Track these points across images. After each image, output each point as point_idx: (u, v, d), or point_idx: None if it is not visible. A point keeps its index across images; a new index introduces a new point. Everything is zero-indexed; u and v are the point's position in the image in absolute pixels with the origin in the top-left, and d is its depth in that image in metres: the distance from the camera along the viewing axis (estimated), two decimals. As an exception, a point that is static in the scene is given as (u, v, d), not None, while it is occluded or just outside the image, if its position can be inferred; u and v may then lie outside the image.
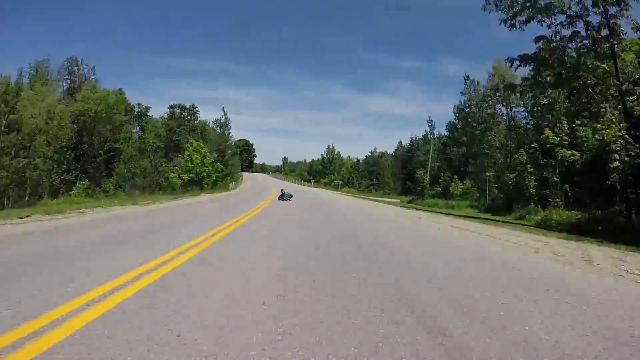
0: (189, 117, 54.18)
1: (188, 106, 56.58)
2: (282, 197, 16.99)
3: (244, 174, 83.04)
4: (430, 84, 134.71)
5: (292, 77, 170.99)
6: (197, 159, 32.45)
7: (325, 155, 73.28)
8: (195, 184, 30.75)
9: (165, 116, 50.88)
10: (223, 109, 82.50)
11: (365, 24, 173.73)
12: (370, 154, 68.43)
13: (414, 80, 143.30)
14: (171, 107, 54.48)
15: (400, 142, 59.92)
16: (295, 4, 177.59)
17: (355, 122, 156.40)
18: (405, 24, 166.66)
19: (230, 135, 53.89)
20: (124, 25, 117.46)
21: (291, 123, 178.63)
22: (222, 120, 51.18)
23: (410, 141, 54.68)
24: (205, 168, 32.94)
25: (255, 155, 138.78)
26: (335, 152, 74.22)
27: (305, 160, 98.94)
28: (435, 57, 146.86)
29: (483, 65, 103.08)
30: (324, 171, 69.40)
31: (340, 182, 57.73)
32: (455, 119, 30.15)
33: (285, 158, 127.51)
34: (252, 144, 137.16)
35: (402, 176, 49.97)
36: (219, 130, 48.92)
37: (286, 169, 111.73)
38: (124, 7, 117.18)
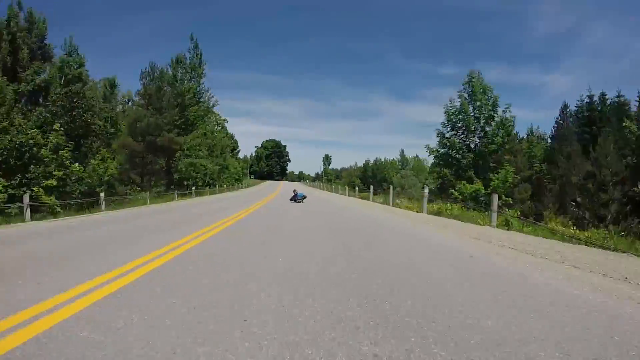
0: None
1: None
2: (294, 199, 16.99)
3: (265, 182, 68.75)
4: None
5: (330, 86, 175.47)
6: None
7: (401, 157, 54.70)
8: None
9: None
10: (191, 35, 39.72)
11: (401, 31, 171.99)
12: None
13: (454, 86, 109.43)
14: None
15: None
16: (329, 14, 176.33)
17: (394, 130, 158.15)
18: (440, 30, 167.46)
19: (211, 95, 40.97)
20: (158, 41, 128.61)
21: (329, 133, 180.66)
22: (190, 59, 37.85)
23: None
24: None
25: (289, 160, 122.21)
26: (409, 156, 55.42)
27: (355, 163, 77.90)
28: (473, 62, 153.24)
29: (519, 68, 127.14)
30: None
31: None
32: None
33: (328, 158, 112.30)
34: (285, 146, 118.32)
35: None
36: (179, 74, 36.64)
37: (330, 174, 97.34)
38: (162, 25, 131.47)
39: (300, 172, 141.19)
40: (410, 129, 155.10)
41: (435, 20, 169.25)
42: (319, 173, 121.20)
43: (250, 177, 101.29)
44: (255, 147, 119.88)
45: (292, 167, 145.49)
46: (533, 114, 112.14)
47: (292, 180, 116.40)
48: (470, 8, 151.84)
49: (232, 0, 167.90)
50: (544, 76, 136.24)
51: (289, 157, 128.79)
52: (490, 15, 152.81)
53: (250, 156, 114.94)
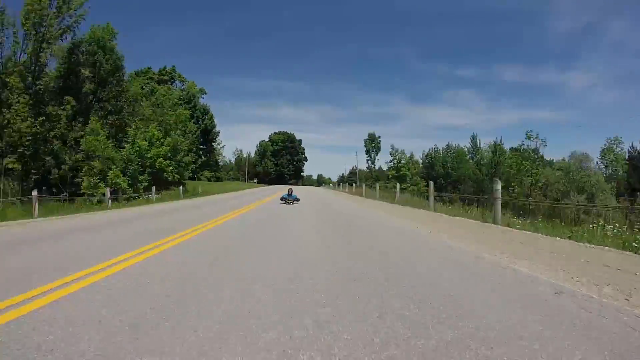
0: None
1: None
2: (286, 200, 16.31)
3: (267, 187, 58.56)
4: (489, 92, 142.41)
5: (348, 92, 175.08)
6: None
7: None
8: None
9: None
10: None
11: (418, 34, 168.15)
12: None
13: (472, 88, 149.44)
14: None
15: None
16: (345, 20, 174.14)
17: (413, 134, 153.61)
18: (457, 32, 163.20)
19: None
20: (178, 50, 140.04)
21: (348, 138, 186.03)
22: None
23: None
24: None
25: (305, 159, 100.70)
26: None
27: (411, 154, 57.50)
28: (490, 64, 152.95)
29: (537, 68, 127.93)
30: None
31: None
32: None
33: (374, 141, 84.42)
34: (300, 141, 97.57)
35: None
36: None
37: (374, 172, 76.65)
38: (181, 34, 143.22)
39: (320, 176, 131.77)
40: (429, 133, 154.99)
41: (451, 23, 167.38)
42: (343, 174, 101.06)
43: (253, 181, 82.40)
44: (260, 141, 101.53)
45: (309, 170, 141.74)
46: (554, 114, 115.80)
47: (311, 185, 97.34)
48: (486, 9, 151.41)
49: (254, 11, 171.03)
50: (563, 75, 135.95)
51: (305, 154, 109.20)
52: (507, 15, 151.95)
53: (257, 151, 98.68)
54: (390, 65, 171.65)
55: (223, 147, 76.99)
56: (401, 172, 41.94)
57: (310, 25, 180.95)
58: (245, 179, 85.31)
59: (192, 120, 43.62)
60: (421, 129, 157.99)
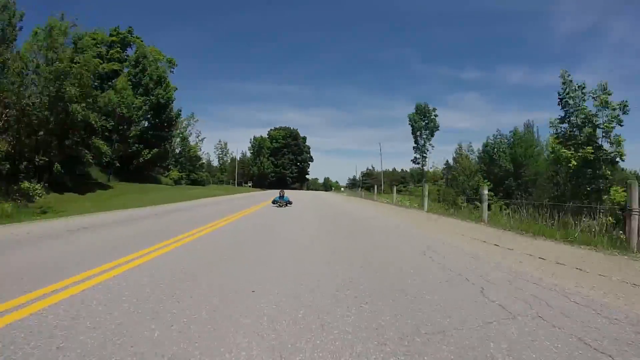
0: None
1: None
2: (278, 203, 15.78)
3: (263, 192, 31.61)
4: (493, 94, 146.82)
5: (352, 95, 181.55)
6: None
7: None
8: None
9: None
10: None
11: (421, 36, 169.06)
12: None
13: (476, 91, 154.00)
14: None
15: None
16: (347, 24, 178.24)
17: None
18: (460, 34, 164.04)
19: None
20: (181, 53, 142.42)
21: (352, 141, 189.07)
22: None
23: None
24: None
25: (311, 159, 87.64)
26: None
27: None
28: (494, 65, 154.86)
29: (541, 70, 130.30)
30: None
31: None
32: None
33: (429, 113, 56.78)
34: (304, 138, 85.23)
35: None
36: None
37: (424, 174, 61.54)
38: (184, 37, 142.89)
39: (327, 179, 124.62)
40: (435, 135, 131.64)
41: (454, 25, 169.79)
42: (355, 177, 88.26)
43: (247, 185, 69.54)
44: (253, 137, 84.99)
45: (314, 173, 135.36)
46: (556, 116, 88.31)
47: (316, 189, 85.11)
48: (489, 10, 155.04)
49: (256, 14, 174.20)
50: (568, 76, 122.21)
51: (310, 153, 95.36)
52: (510, 17, 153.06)
53: (251, 147, 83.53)
54: (393, 69, 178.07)
55: (202, 139, 58.66)
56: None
57: (313, 28, 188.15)
58: (235, 182, 71.05)
59: (139, 90, 32.50)
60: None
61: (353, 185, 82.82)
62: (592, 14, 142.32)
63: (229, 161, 78.77)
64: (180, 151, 46.84)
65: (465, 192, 29.06)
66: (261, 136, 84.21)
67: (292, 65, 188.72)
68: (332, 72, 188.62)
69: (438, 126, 55.70)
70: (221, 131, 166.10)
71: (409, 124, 56.67)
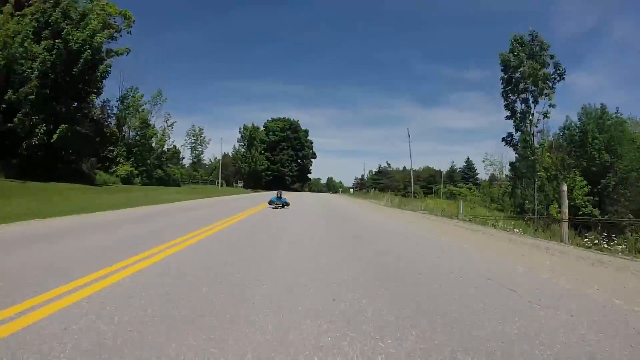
0: None
1: None
2: (275, 204, 15.07)
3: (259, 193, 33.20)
4: (496, 94, 70.63)
5: (354, 95, 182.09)
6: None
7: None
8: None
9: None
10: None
11: (424, 36, 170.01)
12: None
13: (478, 90, 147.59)
14: None
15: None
16: (348, 24, 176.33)
17: (420, 137, 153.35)
18: (462, 34, 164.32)
19: None
20: (185, 54, 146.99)
21: (354, 141, 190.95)
22: None
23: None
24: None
25: (314, 156, 79.08)
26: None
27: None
28: (495, 65, 71.54)
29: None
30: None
31: None
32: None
33: None
34: (306, 132, 76.69)
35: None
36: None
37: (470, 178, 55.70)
38: (188, 38, 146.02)
39: (330, 179, 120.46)
40: (434, 136, 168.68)
41: (456, 25, 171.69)
42: (365, 177, 79.20)
43: (238, 185, 59.62)
44: (243, 126, 69.71)
45: (317, 172, 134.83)
46: (559, 116, 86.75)
47: (320, 191, 76.80)
48: (490, 11, 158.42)
49: (256, 15, 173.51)
50: (568, 76, 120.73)
51: (313, 149, 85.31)
52: (512, 17, 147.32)
53: (240, 138, 69.07)
54: (396, 68, 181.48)
55: (172, 125, 43.97)
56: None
57: (314, 28, 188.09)
58: (218, 182, 59.54)
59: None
60: (426, 131, 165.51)
61: (362, 186, 73.75)
62: (593, 14, 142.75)
63: (215, 156, 66.98)
64: (135, 137, 34.35)
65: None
66: (252, 124, 69.36)
67: (295, 65, 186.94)
68: (335, 73, 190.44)
69: (564, 71, 24.82)
70: (223, 130, 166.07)
71: (501, 68, 25.94)
